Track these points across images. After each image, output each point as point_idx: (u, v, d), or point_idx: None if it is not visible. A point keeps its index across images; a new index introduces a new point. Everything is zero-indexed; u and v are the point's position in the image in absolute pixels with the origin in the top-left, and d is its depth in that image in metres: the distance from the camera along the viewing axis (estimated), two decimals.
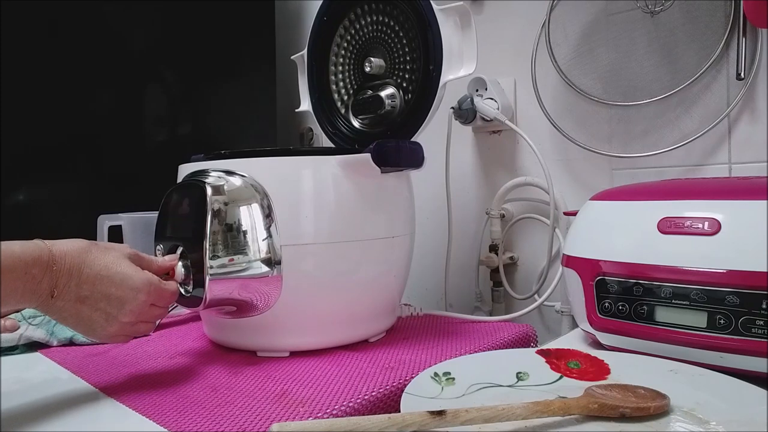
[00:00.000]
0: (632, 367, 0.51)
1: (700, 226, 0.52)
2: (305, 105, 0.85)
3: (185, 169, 0.66)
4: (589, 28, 0.88)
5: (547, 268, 0.90)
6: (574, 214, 0.67)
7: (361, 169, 0.62)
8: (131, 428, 0.45)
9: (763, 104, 0.74)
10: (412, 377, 0.49)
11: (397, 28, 0.73)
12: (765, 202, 0.50)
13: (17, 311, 0.64)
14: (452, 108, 0.95)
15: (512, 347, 0.67)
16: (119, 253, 0.51)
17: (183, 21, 1.12)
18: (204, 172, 0.61)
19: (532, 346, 0.71)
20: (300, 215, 0.60)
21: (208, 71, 1.17)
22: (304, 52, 0.83)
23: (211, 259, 0.56)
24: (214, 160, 0.63)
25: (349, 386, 0.52)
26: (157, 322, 0.57)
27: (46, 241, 0.47)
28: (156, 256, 0.61)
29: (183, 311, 0.80)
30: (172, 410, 0.47)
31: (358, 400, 0.49)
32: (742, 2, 0.72)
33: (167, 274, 0.57)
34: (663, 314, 0.53)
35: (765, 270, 0.47)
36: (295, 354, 0.62)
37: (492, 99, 0.92)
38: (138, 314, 0.51)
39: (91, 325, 0.50)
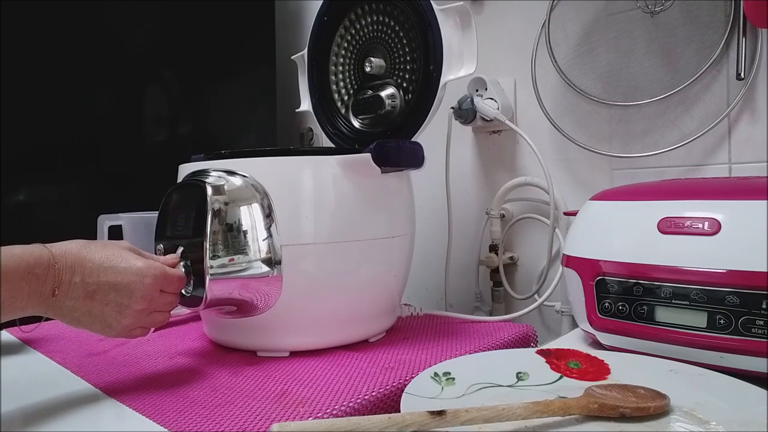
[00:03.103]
0: (632, 367, 0.51)
1: (700, 226, 0.52)
2: (305, 105, 0.85)
3: (185, 169, 0.66)
4: (589, 28, 0.88)
5: (547, 268, 0.90)
6: (574, 214, 0.67)
7: (361, 169, 0.62)
8: (131, 428, 0.45)
9: (763, 104, 0.74)
10: (412, 377, 0.49)
11: (397, 28, 0.73)
12: (765, 202, 0.50)
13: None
14: (452, 108, 0.95)
15: (512, 347, 0.67)
16: (118, 246, 0.52)
17: (183, 21, 1.12)
18: (204, 172, 0.61)
19: (532, 346, 0.71)
20: (300, 215, 0.60)
21: (207, 71, 1.17)
22: (304, 52, 0.83)
23: (211, 259, 0.56)
24: (214, 160, 0.63)
25: (349, 386, 0.52)
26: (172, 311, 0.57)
27: (44, 245, 0.48)
28: (156, 255, 0.61)
29: (183, 311, 0.80)
30: (172, 410, 0.47)
31: (358, 400, 0.49)
32: (742, 2, 0.72)
33: None
34: (663, 314, 0.53)
35: (765, 270, 0.47)
36: (295, 354, 0.62)
37: (492, 99, 0.92)
38: (149, 300, 0.51)
39: (106, 320, 0.50)
